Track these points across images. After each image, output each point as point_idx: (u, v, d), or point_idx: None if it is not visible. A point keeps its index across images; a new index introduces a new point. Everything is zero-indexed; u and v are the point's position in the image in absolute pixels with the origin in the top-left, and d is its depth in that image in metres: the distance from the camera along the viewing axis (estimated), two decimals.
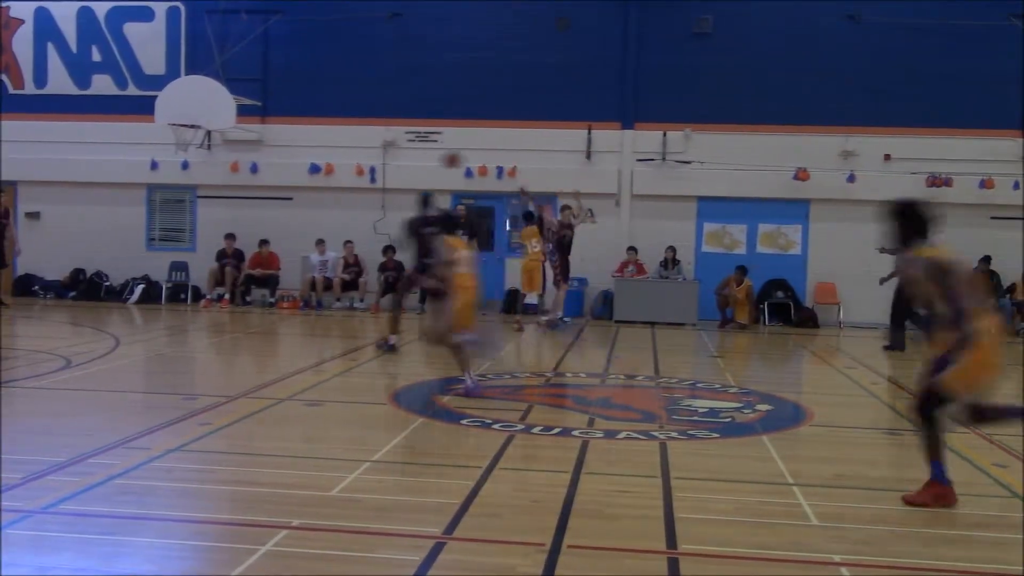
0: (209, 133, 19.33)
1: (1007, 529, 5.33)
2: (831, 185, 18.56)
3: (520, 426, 7.84)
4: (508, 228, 19.93)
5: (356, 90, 19.41)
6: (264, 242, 19.55)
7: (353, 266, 19.36)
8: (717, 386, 10.58)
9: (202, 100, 17.69)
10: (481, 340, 9.56)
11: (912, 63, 18.31)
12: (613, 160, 19.20)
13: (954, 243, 19.84)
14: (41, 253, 20.26)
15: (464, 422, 8.00)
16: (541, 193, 17.88)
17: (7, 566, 4.37)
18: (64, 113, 20.11)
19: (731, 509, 5.58)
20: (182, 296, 19.70)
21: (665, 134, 18.96)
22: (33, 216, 20.61)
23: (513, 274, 18.29)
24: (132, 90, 20.19)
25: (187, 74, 19.21)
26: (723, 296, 18.01)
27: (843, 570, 4.61)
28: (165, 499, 5.59)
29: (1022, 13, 17.84)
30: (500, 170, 19.20)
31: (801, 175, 18.53)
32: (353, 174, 19.48)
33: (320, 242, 19.30)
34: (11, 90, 20.58)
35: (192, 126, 18.07)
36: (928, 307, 5.76)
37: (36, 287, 20.23)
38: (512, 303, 18.27)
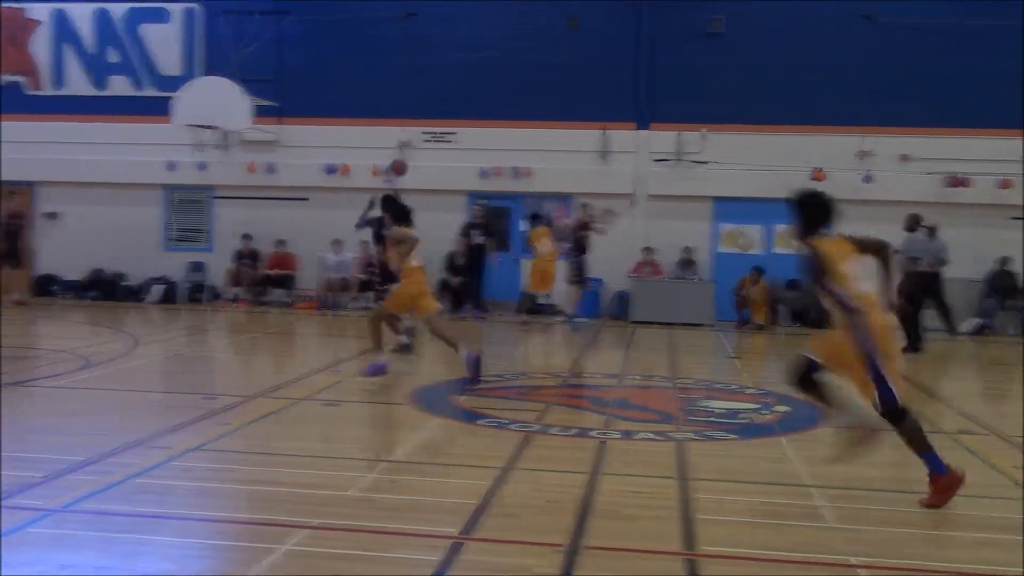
0: (226, 134, 19.40)
1: None
2: (847, 185, 18.39)
3: (537, 426, 7.84)
4: (523, 229, 19.91)
5: (373, 91, 19.43)
6: (281, 242, 19.65)
7: (370, 266, 19.38)
8: (735, 387, 10.56)
9: (218, 101, 17.74)
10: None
11: (929, 63, 18.17)
12: (628, 160, 19.16)
13: (972, 243, 19.54)
14: (60, 253, 20.40)
15: (481, 422, 8.02)
16: (555, 193, 17.80)
17: (29, 564, 4.41)
18: (82, 114, 20.22)
19: (748, 510, 5.58)
20: (198, 296, 19.79)
21: (680, 134, 18.91)
22: (52, 216, 20.74)
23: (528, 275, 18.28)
24: (149, 91, 20.26)
25: (203, 75, 19.28)
26: (741, 297, 17.96)
27: (860, 572, 4.60)
28: (184, 498, 5.63)
29: None
30: (515, 170, 19.20)
31: (817, 175, 18.39)
32: (369, 174, 19.49)
33: (337, 242, 19.34)
34: (30, 91, 20.73)
35: (209, 127, 18.15)
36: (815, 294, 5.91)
37: (55, 287, 20.37)
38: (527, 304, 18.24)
